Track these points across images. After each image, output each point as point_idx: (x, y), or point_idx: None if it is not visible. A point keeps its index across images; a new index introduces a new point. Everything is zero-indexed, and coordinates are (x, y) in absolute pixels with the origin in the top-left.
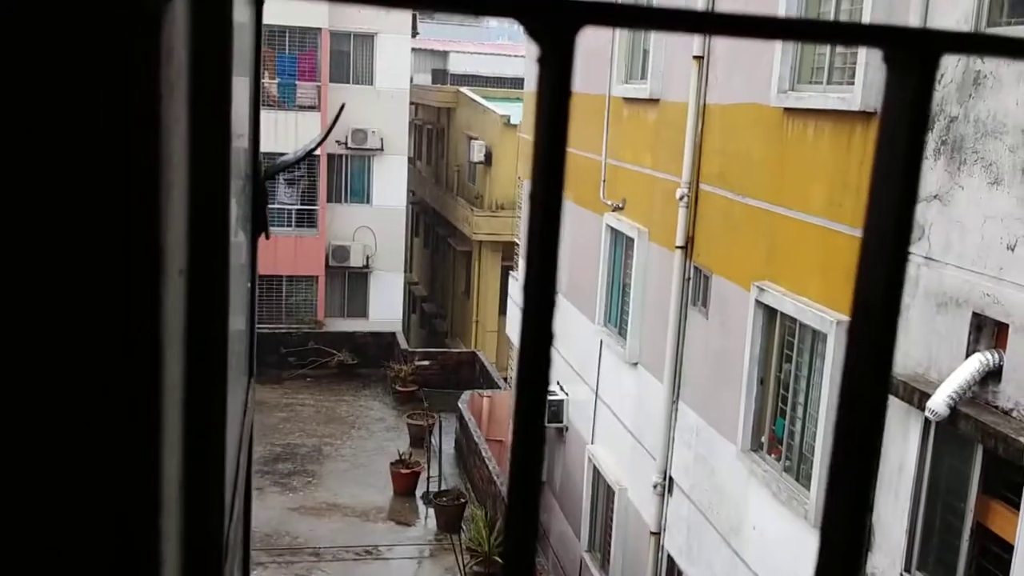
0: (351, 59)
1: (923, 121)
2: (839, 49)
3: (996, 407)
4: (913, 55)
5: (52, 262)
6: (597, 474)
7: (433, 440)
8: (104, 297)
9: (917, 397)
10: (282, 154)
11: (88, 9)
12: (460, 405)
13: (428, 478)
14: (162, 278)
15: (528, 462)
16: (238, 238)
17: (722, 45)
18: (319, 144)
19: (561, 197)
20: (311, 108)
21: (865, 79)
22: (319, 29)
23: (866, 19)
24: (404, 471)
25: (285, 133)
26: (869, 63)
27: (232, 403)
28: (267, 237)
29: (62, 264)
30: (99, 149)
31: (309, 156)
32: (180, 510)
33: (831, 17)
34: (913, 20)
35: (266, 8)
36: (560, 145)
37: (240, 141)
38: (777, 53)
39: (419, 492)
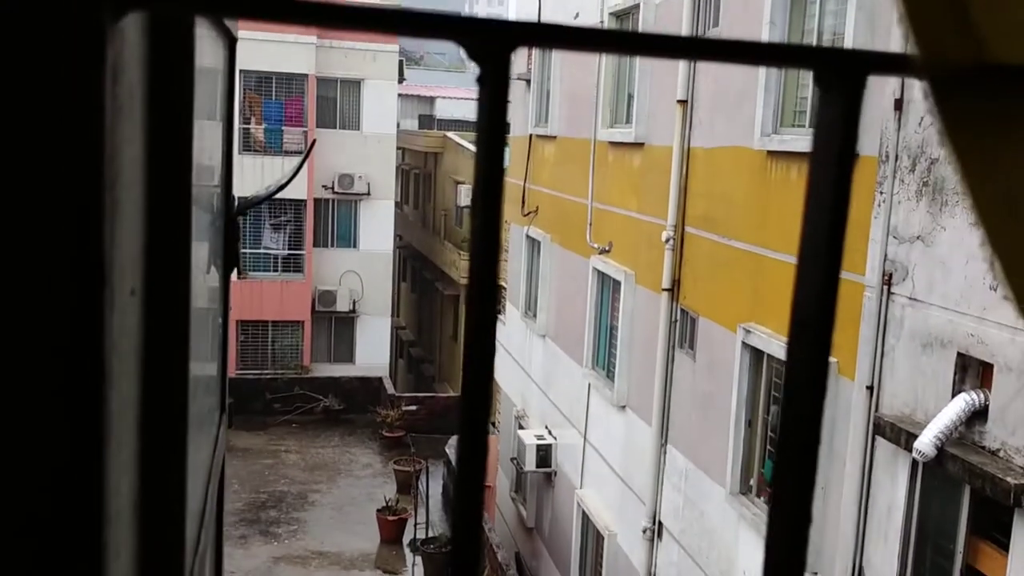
0: (338, 104)
1: (852, 140)
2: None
3: (983, 447)
4: (840, 75)
5: None
6: (586, 519)
7: (420, 486)
8: (43, 313)
9: (904, 438)
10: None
11: (30, 24)
12: (447, 450)
13: (415, 525)
14: (107, 298)
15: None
16: (210, 274)
17: (706, 89)
18: (290, 180)
19: (500, 209)
20: (298, 153)
21: None
22: (306, 75)
23: (848, 34)
24: (391, 518)
25: (273, 178)
26: None
27: (199, 435)
28: (239, 276)
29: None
30: (37, 166)
31: (280, 190)
32: (136, 530)
33: (815, 33)
34: (895, 38)
35: (253, 54)
36: (498, 156)
37: (212, 179)
38: (760, 96)
39: (406, 539)
